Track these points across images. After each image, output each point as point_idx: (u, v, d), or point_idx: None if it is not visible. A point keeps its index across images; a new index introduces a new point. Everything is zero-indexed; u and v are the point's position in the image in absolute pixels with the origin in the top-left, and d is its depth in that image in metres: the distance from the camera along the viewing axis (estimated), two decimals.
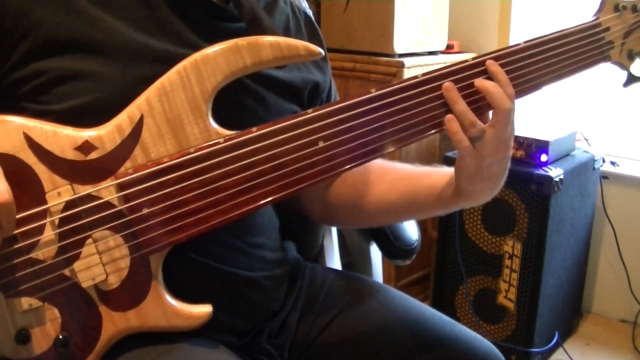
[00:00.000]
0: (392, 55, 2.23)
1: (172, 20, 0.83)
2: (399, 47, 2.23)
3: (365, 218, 1.03)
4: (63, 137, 0.76)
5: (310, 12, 1.07)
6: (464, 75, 0.85)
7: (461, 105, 0.83)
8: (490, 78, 0.84)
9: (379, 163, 0.95)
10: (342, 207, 1.03)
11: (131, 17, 0.81)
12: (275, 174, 0.80)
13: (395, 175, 0.98)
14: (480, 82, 0.84)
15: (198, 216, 0.79)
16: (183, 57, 0.79)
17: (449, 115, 0.83)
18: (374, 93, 0.83)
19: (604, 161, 2.37)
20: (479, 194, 0.87)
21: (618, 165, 2.43)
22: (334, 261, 1.25)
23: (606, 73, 0.97)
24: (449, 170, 0.91)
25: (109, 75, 0.78)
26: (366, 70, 2.27)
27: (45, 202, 0.75)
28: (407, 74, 2.19)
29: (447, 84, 0.83)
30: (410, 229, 1.23)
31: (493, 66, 0.84)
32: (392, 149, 0.84)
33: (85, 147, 0.76)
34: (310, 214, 1.08)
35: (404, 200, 0.96)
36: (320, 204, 1.05)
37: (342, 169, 0.83)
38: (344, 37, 2.35)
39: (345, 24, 2.34)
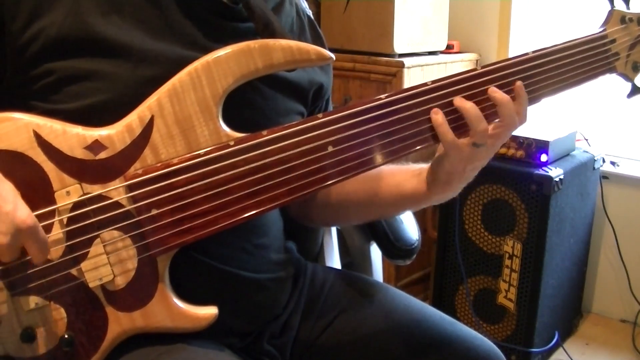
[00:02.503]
0: (392, 55, 2.23)
1: (181, 21, 0.83)
2: (399, 47, 2.22)
3: (332, 214, 1.05)
4: (73, 136, 0.76)
5: (310, 14, 1.07)
6: (472, 84, 0.85)
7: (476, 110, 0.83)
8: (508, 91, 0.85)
9: None
10: (313, 203, 1.03)
11: (141, 18, 0.81)
12: (284, 177, 0.80)
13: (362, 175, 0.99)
14: (493, 93, 0.84)
15: (206, 218, 0.79)
16: (192, 58, 0.79)
17: (435, 109, 0.83)
18: (384, 99, 0.83)
19: (604, 161, 2.37)
20: (448, 193, 0.90)
21: (618, 165, 2.43)
22: (334, 261, 1.25)
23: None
24: (417, 167, 0.93)
25: (119, 75, 0.78)
26: (366, 70, 2.26)
27: (53, 201, 0.75)
28: (407, 74, 2.19)
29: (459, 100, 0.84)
30: (411, 229, 1.23)
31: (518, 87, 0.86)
32: (401, 155, 0.84)
33: (95, 146, 0.76)
34: (287, 211, 1.08)
35: (370, 198, 0.97)
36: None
37: (351, 173, 0.83)
38: (344, 37, 2.34)
39: (345, 24, 2.34)
